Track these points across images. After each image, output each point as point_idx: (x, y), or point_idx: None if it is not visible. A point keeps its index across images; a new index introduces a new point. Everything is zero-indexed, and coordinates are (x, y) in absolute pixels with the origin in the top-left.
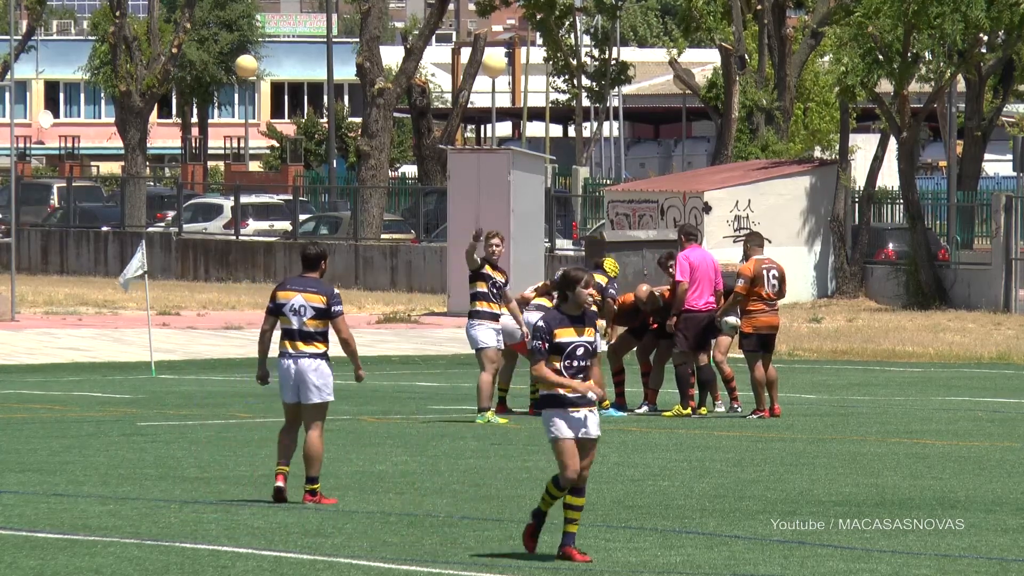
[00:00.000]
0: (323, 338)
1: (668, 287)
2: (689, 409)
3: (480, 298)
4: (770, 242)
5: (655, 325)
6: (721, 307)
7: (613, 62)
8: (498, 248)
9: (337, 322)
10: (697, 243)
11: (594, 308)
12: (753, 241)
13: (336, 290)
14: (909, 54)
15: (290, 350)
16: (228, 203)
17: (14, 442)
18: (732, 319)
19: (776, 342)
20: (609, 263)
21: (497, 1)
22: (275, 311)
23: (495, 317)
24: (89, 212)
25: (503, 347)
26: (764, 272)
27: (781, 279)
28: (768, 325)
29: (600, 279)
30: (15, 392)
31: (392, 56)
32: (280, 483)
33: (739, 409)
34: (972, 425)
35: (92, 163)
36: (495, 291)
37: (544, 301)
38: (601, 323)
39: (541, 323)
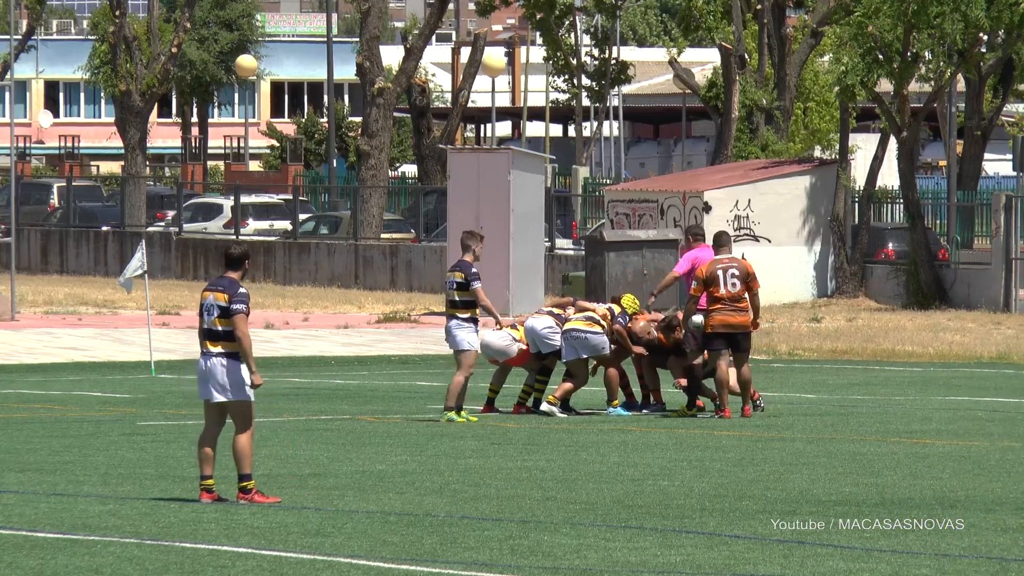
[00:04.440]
0: (232, 337)
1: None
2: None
3: (455, 306)
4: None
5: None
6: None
7: (613, 62)
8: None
9: (234, 319)
10: (705, 243)
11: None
12: (718, 241)
13: (243, 290)
14: (909, 54)
15: (203, 349)
16: (228, 203)
17: (14, 442)
18: (698, 319)
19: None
20: (627, 299)
21: (497, 1)
22: (200, 311)
23: (474, 321)
24: (89, 212)
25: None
26: (720, 272)
27: (744, 277)
28: (724, 324)
29: (616, 308)
30: (15, 392)
31: (392, 56)
32: (205, 500)
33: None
34: (972, 425)
35: (92, 163)
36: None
37: (557, 309)
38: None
39: None
